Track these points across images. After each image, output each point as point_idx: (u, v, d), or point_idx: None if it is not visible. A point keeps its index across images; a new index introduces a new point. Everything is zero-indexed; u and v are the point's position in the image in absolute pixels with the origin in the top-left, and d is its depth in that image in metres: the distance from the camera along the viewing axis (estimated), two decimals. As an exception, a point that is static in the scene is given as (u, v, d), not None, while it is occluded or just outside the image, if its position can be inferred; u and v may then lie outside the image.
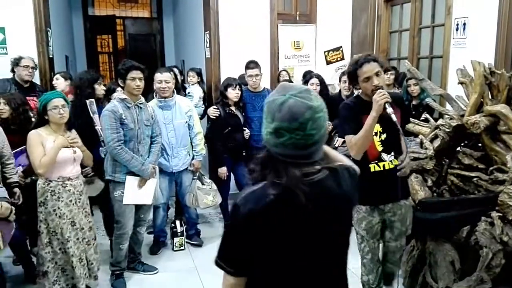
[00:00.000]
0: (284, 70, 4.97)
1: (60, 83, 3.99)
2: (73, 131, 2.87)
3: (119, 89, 3.25)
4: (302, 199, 1.08)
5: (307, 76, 4.49)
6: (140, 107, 3.05)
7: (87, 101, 3.21)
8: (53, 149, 2.64)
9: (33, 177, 2.94)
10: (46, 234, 2.69)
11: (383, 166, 2.33)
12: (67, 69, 5.88)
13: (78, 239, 2.76)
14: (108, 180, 3.06)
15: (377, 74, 2.23)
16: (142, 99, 3.09)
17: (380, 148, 2.34)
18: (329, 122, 3.81)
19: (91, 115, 3.20)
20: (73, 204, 2.74)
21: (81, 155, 2.82)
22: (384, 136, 2.33)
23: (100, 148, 3.18)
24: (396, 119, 2.16)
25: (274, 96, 1.14)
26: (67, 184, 2.72)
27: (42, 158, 2.60)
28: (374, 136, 2.32)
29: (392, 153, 2.34)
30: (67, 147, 2.72)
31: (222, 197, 3.85)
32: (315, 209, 1.12)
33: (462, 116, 2.87)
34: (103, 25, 8.57)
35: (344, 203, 1.25)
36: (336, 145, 3.84)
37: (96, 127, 3.17)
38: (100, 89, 3.49)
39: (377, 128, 2.31)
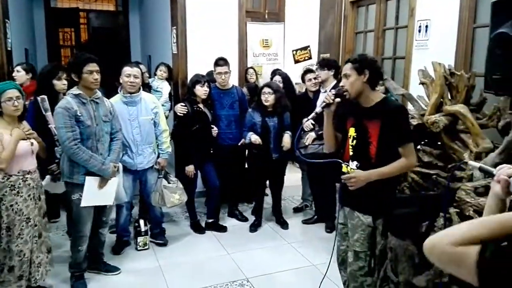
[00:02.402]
0: (251, 68, 4.97)
1: (21, 76, 3.82)
2: (25, 122, 2.76)
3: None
4: None
5: (273, 74, 4.52)
6: (97, 102, 2.90)
7: (38, 98, 3.08)
8: (11, 142, 2.53)
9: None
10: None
11: (348, 170, 2.34)
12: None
13: (30, 236, 2.65)
14: (65, 182, 2.91)
15: (345, 76, 2.27)
16: (99, 94, 2.93)
17: (351, 153, 2.35)
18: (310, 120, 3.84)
19: (43, 112, 3.08)
20: (30, 199, 2.64)
21: (37, 147, 2.72)
22: (354, 142, 2.33)
23: (55, 148, 3.06)
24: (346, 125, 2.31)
25: None
26: (27, 178, 2.63)
27: (1, 153, 2.49)
28: (349, 139, 2.34)
29: (356, 162, 2.32)
30: (24, 139, 2.61)
31: (188, 195, 3.81)
32: None
33: (423, 115, 2.96)
34: (66, 17, 8.30)
35: None
36: (307, 143, 3.88)
37: (49, 126, 3.05)
38: (60, 85, 3.36)
39: (352, 132, 2.34)
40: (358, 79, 2.22)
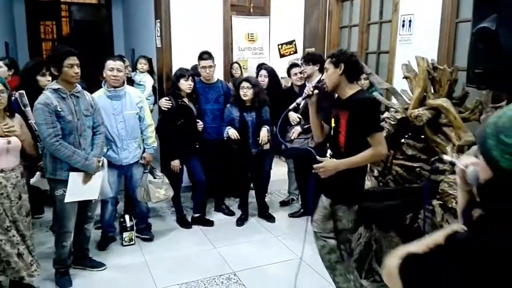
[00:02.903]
0: (236, 63, 4.95)
1: (3, 71, 3.73)
2: (16, 118, 2.70)
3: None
4: None
5: (258, 68, 4.51)
6: (77, 96, 2.84)
7: (17, 93, 3.03)
8: None
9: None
10: None
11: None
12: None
13: (8, 235, 2.58)
14: (49, 179, 2.87)
15: (325, 69, 2.41)
16: (78, 87, 2.87)
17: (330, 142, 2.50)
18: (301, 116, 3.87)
19: (22, 108, 3.02)
20: (4, 198, 2.57)
21: (18, 145, 2.64)
22: (332, 132, 2.46)
23: (37, 143, 3.01)
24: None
25: None
26: None
27: None
28: (331, 130, 2.47)
29: (330, 151, 2.46)
30: (1, 136, 2.54)
31: (174, 190, 3.79)
32: None
33: (406, 109, 3.00)
34: (47, 10, 8.11)
35: None
36: (292, 137, 3.89)
37: (29, 121, 3.00)
38: (44, 81, 3.30)
39: (332, 123, 2.46)
40: (334, 72, 2.34)
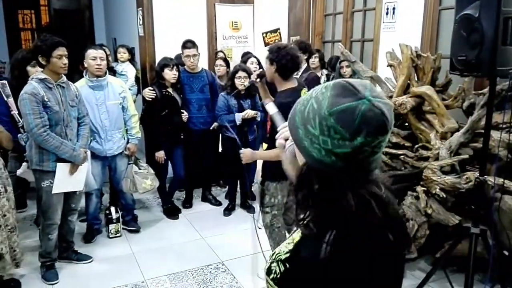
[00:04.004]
0: (221, 51, 4.89)
1: None
2: None
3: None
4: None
5: (245, 57, 4.47)
6: (63, 87, 2.82)
7: None
8: None
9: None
10: None
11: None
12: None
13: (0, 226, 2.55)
14: (34, 170, 2.83)
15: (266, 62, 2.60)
16: (64, 78, 2.85)
17: None
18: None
19: (5, 99, 2.95)
20: None
21: None
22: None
23: (19, 135, 2.95)
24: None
25: (343, 102, 0.77)
26: None
27: None
28: None
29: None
30: None
31: (160, 181, 3.76)
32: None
33: (391, 97, 3.02)
34: (25, -2, 7.88)
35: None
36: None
37: (12, 112, 2.93)
38: (34, 71, 3.22)
39: None
40: (269, 68, 2.54)
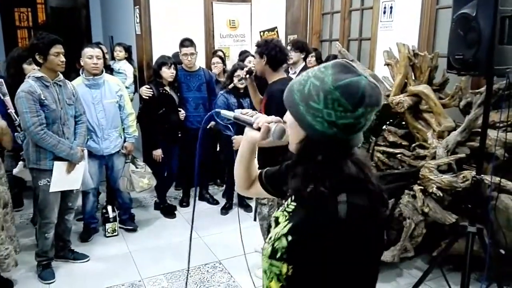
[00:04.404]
0: (220, 50, 4.89)
1: None
2: None
3: None
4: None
5: (243, 55, 4.46)
6: (60, 85, 2.81)
7: None
8: None
9: None
10: None
11: None
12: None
13: None
14: (31, 169, 2.82)
15: (254, 57, 2.75)
16: (61, 76, 2.84)
17: None
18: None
19: (1, 97, 2.94)
20: None
21: None
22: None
23: (16, 133, 2.93)
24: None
25: (346, 77, 0.88)
26: None
27: None
28: None
29: None
30: None
31: (157, 180, 3.75)
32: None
33: (388, 96, 3.02)
34: (21, -4, 7.85)
35: None
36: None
37: (9, 111, 2.92)
38: (30, 69, 3.21)
39: None
40: (259, 62, 2.63)
